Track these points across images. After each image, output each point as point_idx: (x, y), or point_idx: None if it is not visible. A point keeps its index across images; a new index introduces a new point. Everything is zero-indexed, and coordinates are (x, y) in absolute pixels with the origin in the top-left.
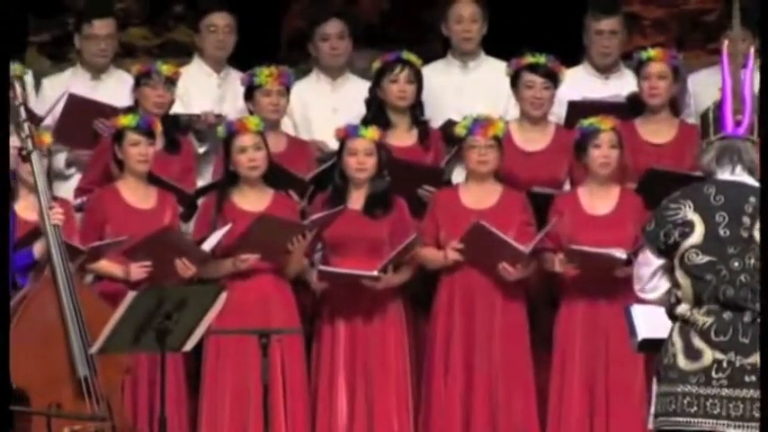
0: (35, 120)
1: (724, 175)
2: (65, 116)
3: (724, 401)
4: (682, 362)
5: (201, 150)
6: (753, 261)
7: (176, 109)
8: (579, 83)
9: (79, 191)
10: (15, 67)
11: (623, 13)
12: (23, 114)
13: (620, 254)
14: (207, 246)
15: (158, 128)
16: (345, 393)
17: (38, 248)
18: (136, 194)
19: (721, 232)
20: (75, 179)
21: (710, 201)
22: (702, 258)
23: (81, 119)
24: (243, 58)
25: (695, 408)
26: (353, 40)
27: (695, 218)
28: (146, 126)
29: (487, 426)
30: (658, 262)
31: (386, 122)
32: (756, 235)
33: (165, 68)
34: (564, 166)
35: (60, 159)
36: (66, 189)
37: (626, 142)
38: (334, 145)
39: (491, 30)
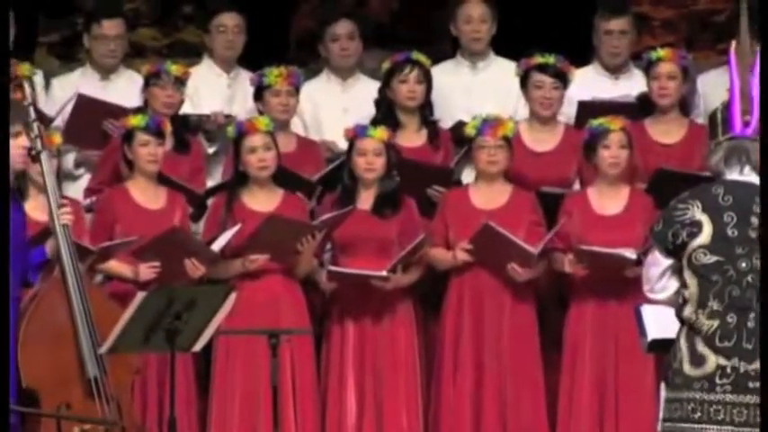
0: (44, 120)
1: (732, 175)
2: (74, 116)
3: (728, 407)
4: (687, 367)
5: (211, 151)
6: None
7: (186, 109)
8: (589, 83)
9: (89, 191)
10: (25, 68)
11: (633, 13)
12: (33, 114)
13: (630, 254)
14: (216, 246)
15: (168, 128)
16: (355, 393)
17: (50, 246)
18: (145, 195)
19: (729, 232)
20: (85, 179)
21: (719, 201)
22: (710, 258)
23: (90, 119)
24: (252, 58)
25: (699, 414)
26: (363, 40)
27: (703, 218)
28: (155, 126)
29: (497, 426)
30: (667, 262)
31: (395, 123)
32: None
33: (175, 69)
34: (573, 167)
35: (70, 159)
36: (76, 189)
37: (635, 142)
38: (343, 145)
39: (500, 30)
